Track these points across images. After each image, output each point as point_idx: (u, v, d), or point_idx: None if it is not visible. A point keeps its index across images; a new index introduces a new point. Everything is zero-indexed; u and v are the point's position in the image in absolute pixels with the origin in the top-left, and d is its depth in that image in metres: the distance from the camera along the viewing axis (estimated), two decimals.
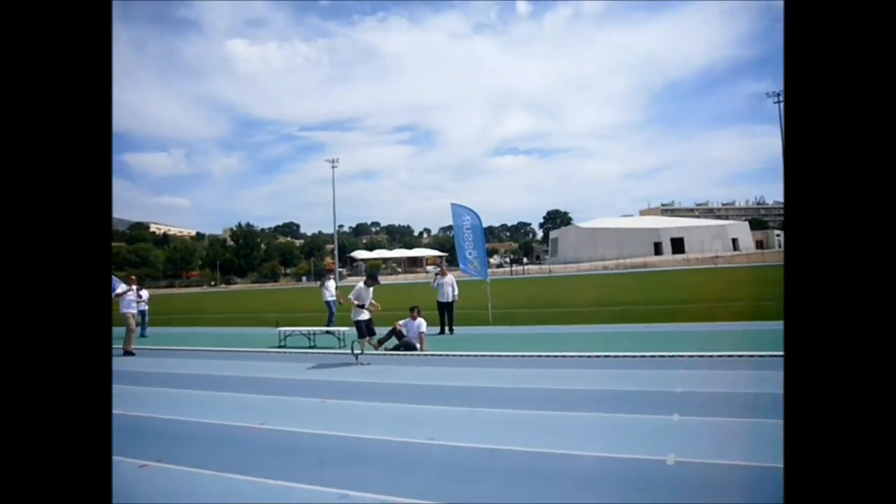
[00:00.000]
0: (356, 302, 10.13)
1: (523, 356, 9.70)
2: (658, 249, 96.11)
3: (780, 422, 5.26)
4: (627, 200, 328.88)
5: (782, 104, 70.34)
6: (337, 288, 15.75)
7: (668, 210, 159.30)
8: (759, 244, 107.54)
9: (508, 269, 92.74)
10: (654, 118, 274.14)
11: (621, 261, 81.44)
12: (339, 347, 12.01)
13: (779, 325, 10.72)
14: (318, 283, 17.47)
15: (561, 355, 9.52)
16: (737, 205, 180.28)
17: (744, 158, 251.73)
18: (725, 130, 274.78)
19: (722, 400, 6.25)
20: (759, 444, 4.72)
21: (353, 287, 10.76)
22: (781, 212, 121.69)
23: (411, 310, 11.66)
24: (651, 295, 23.87)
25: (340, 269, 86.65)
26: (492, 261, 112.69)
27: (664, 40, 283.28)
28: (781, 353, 7.17)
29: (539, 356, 9.55)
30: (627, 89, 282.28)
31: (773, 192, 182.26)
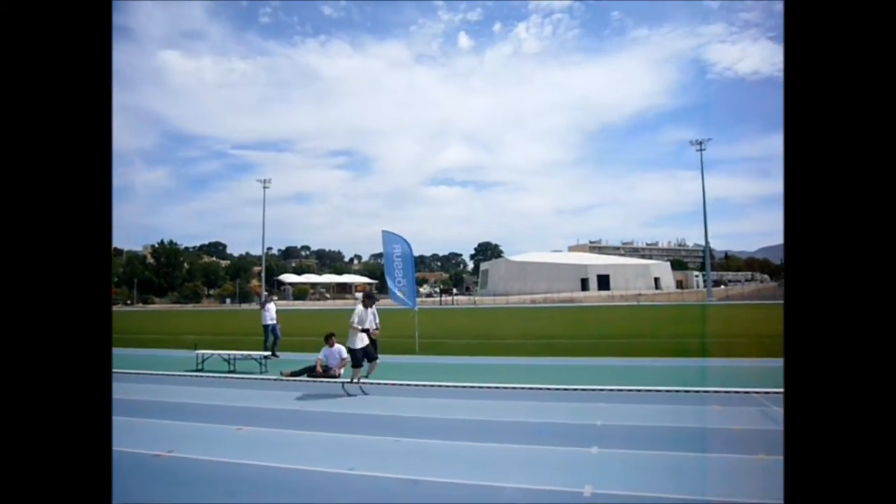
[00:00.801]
0: (358, 326, 9.24)
1: (448, 386, 9.67)
2: (585, 285, 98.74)
3: (697, 455, 5.45)
4: (557, 236, 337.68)
5: (704, 152, 74.72)
6: (277, 312, 15.22)
7: (596, 247, 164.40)
8: (679, 284, 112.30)
9: (438, 299, 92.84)
10: (586, 157, 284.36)
11: (549, 295, 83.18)
12: (260, 372, 11.61)
13: (695, 362, 11.15)
14: (259, 304, 16.83)
15: (486, 386, 9.55)
16: (660, 245, 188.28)
17: (668, 201, 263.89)
18: (652, 174, 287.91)
19: (640, 433, 6.40)
20: (675, 477, 4.85)
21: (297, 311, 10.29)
22: (701, 254, 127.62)
23: (327, 338, 11.36)
24: (576, 329, 24.41)
25: (265, 292, 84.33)
26: (422, 290, 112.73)
27: (599, 84, 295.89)
28: (699, 388, 7.44)
29: (464, 387, 9.55)
30: (563, 128, 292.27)
31: (694, 235, 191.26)
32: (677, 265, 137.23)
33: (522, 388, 9.26)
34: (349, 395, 9.09)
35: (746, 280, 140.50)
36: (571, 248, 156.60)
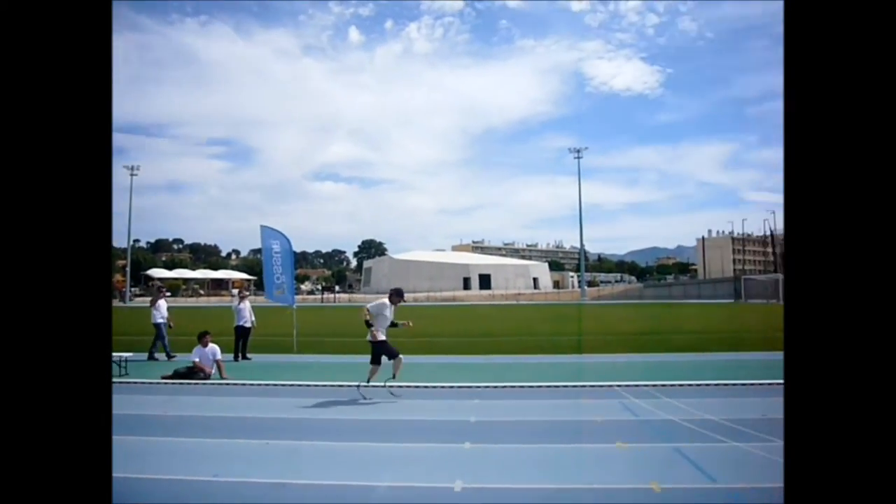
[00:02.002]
0: (367, 313, 8.46)
1: (324, 386, 9.49)
2: (467, 284, 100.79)
3: (563, 446, 5.69)
4: (442, 235, 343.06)
5: (581, 160, 78.74)
6: (169, 309, 13.89)
7: (479, 247, 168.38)
8: (556, 284, 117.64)
9: (320, 296, 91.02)
10: (471, 159, 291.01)
11: (432, 293, 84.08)
12: (120, 375, 10.78)
13: (567, 358, 11.70)
14: (149, 301, 15.23)
15: (362, 385, 9.43)
16: (539, 247, 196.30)
17: (547, 205, 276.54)
18: (534, 178, 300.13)
19: (512, 428, 6.61)
20: (542, 468, 5.05)
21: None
22: (576, 256, 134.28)
23: (200, 336, 10.70)
24: (456, 327, 24.85)
25: (133, 288, 78.57)
26: (303, 287, 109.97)
27: (486, 88, 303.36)
28: (568, 383, 7.77)
29: (340, 386, 9.40)
30: (450, 129, 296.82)
31: (571, 238, 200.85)
32: (555, 266, 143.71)
33: (399, 387, 9.27)
34: (363, 398, 8.27)
35: (616, 281, 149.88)
36: (455, 248, 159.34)
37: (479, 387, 9.17)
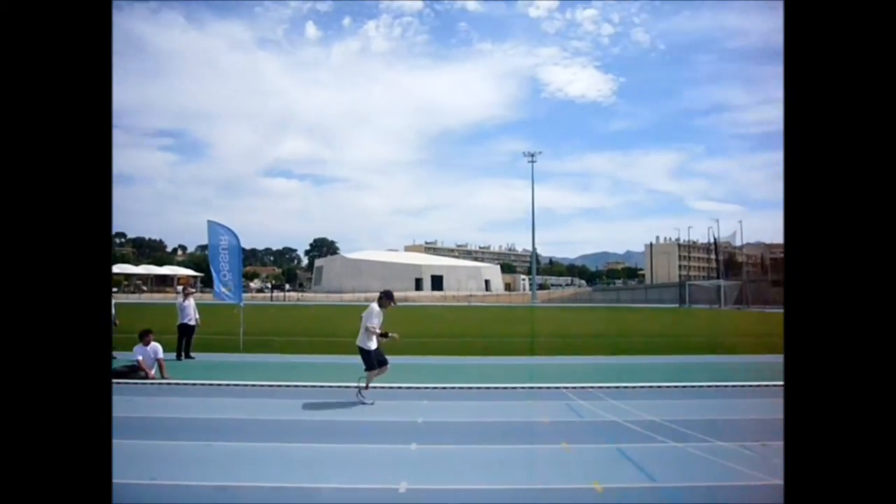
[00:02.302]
0: (370, 326, 8.07)
1: (270, 386, 9.30)
2: (419, 285, 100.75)
3: (510, 447, 5.72)
4: (395, 235, 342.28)
5: (535, 164, 79.76)
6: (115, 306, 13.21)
7: (432, 248, 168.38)
8: (508, 286, 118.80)
9: (269, 294, 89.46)
10: (427, 160, 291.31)
11: None
12: None
13: (517, 360, 11.79)
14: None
15: (310, 385, 9.32)
16: (492, 249, 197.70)
17: (501, 208, 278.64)
18: (488, 180, 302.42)
19: (459, 429, 6.62)
20: (490, 469, 5.07)
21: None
22: (528, 258, 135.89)
23: (142, 335, 10.25)
24: (407, 328, 24.80)
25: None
26: (252, 285, 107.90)
27: (444, 90, 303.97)
28: (517, 384, 7.82)
29: (287, 386, 9.24)
30: (406, 129, 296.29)
31: (523, 241, 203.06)
32: (507, 268, 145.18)
33: (348, 387, 9.17)
34: (364, 403, 7.90)
35: (567, 284, 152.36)
36: (408, 248, 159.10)
37: (428, 388, 9.17)
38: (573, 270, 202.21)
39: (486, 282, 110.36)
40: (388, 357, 8.36)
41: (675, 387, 9.29)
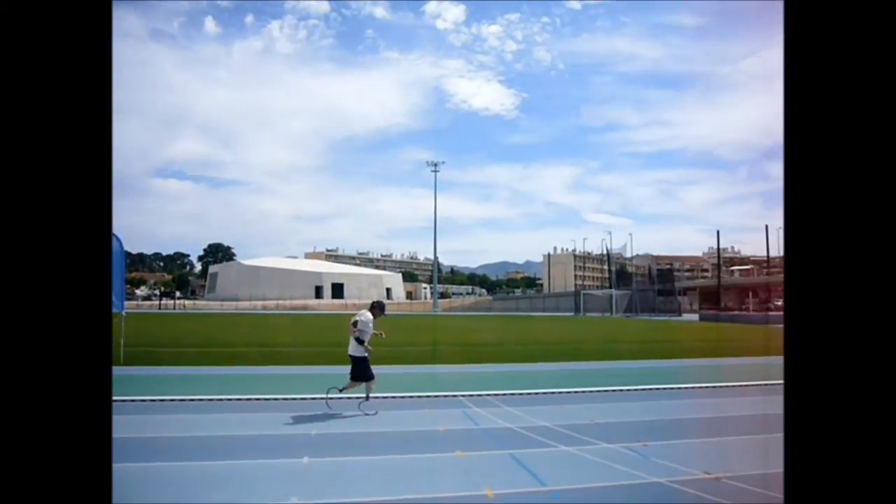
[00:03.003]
0: (363, 338, 8.04)
1: (150, 400, 8.73)
2: (319, 293, 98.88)
3: (405, 456, 5.67)
4: (295, 242, 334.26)
5: (438, 173, 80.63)
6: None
7: (333, 256, 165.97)
8: (409, 295, 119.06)
9: (158, 302, 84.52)
10: (329, 166, 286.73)
11: (282, 301, 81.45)
12: None
13: (417, 369, 11.78)
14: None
15: (196, 399, 8.84)
16: (394, 257, 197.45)
17: (403, 216, 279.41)
18: (391, 188, 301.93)
19: (354, 440, 6.49)
20: (384, 480, 4.99)
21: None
22: (430, 267, 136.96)
23: None
24: (304, 337, 24.20)
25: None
26: (138, 292, 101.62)
27: (348, 95, 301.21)
28: (414, 393, 7.77)
29: (171, 400, 8.72)
30: (308, 134, 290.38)
31: (425, 250, 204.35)
32: (408, 277, 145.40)
33: (238, 400, 8.80)
34: (365, 413, 7.76)
35: (468, 293, 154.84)
36: (308, 256, 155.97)
37: (323, 398, 8.94)
38: (474, 279, 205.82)
39: (388, 290, 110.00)
40: (282, 367, 8.12)
41: (568, 392, 9.62)
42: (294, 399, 8.86)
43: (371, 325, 8.28)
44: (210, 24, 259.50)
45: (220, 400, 8.75)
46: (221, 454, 5.82)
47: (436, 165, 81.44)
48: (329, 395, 8.21)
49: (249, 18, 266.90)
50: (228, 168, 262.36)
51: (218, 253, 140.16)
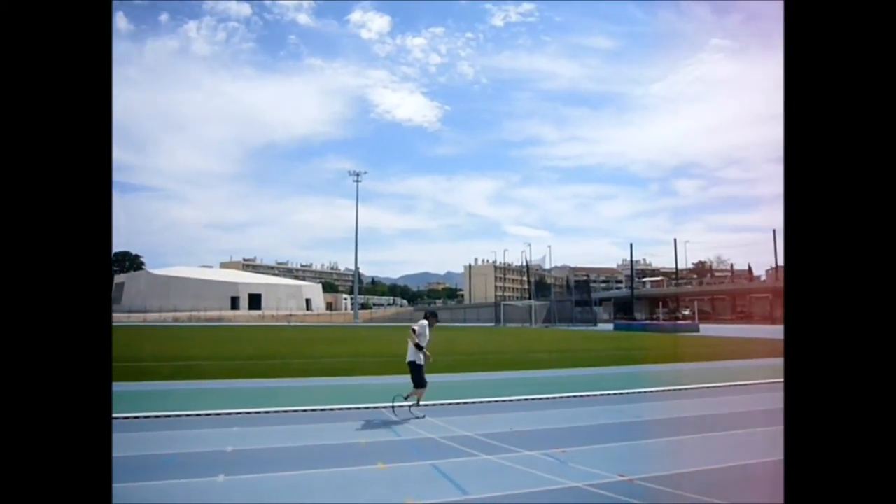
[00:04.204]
0: (419, 339, 8.53)
1: None
2: (235, 304, 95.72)
3: (323, 471, 5.53)
4: (210, 251, 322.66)
5: (360, 184, 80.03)
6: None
7: (250, 266, 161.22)
8: (329, 306, 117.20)
9: None
10: (248, 174, 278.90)
11: (195, 313, 78.23)
12: None
13: (334, 381, 11.56)
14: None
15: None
16: (314, 267, 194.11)
17: (324, 226, 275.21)
18: (312, 198, 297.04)
19: (272, 455, 6.29)
20: (302, 496, 4.86)
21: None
22: (351, 278, 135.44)
23: None
24: (219, 350, 23.31)
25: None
26: None
27: (269, 102, 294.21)
28: (340, 406, 7.64)
29: None
30: (226, 140, 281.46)
31: (346, 260, 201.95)
32: (329, 288, 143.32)
33: (147, 417, 8.34)
34: (416, 417, 8.30)
35: (389, 304, 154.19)
36: (224, 265, 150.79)
37: (240, 413, 8.62)
38: (395, 290, 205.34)
39: (308, 301, 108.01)
40: (196, 382, 7.81)
41: (490, 402, 9.73)
42: (205, 415, 8.48)
43: (427, 331, 8.73)
44: (121, 21, 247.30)
45: (126, 418, 8.26)
46: (135, 475, 5.48)
47: (358, 175, 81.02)
48: (395, 404, 8.63)
49: (164, 17, 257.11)
50: (138, 173, 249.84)
51: (125, 262, 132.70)
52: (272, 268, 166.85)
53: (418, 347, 8.49)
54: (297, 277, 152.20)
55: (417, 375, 8.49)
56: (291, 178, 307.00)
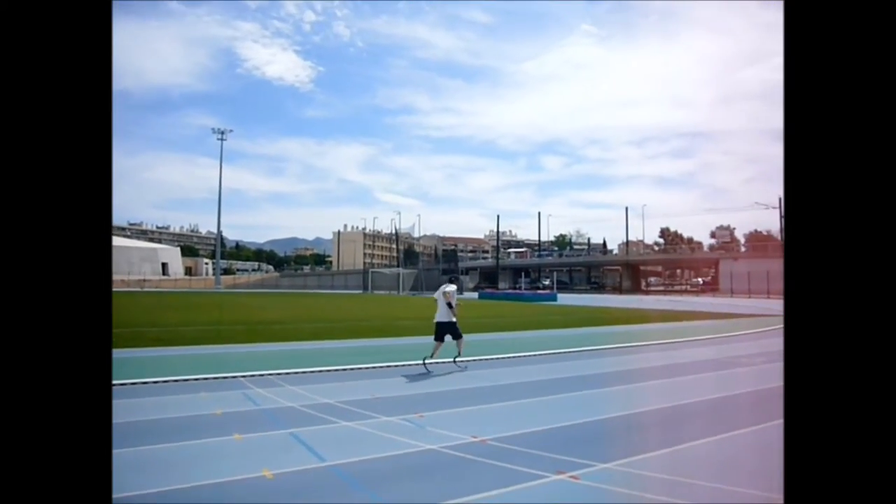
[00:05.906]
0: (451, 298, 10.14)
1: None
2: None
3: (179, 444, 5.34)
4: None
5: (225, 142, 75.68)
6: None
7: None
8: (189, 270, 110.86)
9: None
10: None
11: None
12: None
13: (195, 350, 11.03)
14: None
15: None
16: (172, 230, 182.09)
17: (185, 185, 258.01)
18: (170, 154, 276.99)
19: (120, 430, 5.92)
20: (151, 471, 4.67)
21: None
22: (213, 241, 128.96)
23: None
24: None
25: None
26: None
27: (123, 46, 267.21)
28: (194, 376, 7.31)
29: None
30: None
31: (208, 223, 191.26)
32: (188, 251, 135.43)
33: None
34: (460, 369, 9.90)
35: (254, 270, 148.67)
36: None
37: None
38: (261, 255, 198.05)
39: (164, 265, 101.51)
40: None
41: (352, 369, 9.81)
42: None
43: (455, 293, 10.29)
44: None
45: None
46: None
47: (223, 133, 76.79)
48: (426, 361, 9.84)
49: None
50: None
51: None
52: (123, 228, 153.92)
53: (449, 306, 10.00)
54: (151, 240, 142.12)
55: (454, 329, 9.98)
56: (146, 131, 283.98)
